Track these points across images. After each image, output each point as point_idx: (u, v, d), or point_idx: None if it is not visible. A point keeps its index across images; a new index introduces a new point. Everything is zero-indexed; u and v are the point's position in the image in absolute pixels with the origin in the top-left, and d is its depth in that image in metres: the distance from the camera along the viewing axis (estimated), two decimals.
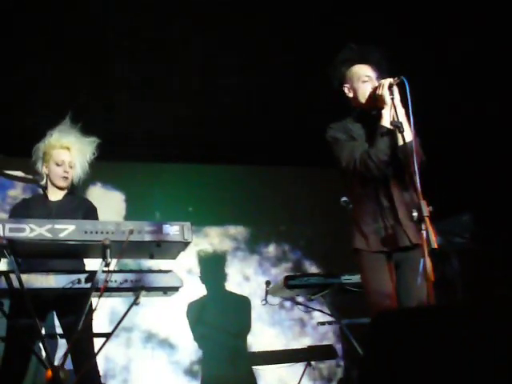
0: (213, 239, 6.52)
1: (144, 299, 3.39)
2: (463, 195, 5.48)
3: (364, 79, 3.46)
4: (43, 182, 4.02)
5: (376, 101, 3.36)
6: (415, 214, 2.86)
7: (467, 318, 1.60)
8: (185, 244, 3.25)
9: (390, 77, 3.31)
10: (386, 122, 3.31)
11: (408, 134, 3.17)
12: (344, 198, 4.03)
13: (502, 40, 5.16)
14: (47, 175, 4.00)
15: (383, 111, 3.32)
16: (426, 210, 2.83)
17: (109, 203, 6.49)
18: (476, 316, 1.59)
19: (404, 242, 3.23)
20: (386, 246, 3.26)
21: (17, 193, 6.29)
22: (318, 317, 6.01)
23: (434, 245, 2.77)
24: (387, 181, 3.32)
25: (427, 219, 2.82)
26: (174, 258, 3.46)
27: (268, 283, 5.25)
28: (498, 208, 5.34)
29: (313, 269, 6.86)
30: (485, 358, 1.49)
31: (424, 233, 2.80)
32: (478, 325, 1.57)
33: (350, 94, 3.54)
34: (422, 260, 2.79)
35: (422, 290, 2.94)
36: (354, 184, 3.43)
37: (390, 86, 3.27)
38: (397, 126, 3.21)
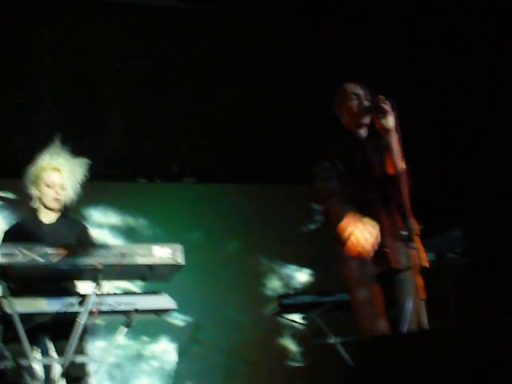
0: (205, 258, 6.50)
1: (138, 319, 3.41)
2: (454, 210, 5.50)
3: (351, 97, 3.43)
4: (36, 205, 4.04)
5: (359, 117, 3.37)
6: (405, 232, 2.86)
7: (446, 345, 1.61)
8: (177, 267, 3.27)
9: (378, 94, 3.28)
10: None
11: (397, 156, 3.16)
12: None
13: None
14: (39, 198, 4.02)
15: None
16: (416, 229, 2.83)
17: (100, 224, 6.48)
18: (461, 341, 1.61)
19: (388, 265, 3.21)
20: (370, 268, 3.22)
21: (5, 215, 6.27)
22: (314, 334, 5.99)
23: (425, 263, 2.78)
24: (372, 202, 3.29)
25: (417, 238, 2.82)
26: (166, 280, 3.47)
27: (265, 301, 5.25)
28: (489, 222, 5.35)
29: (307, 286, 6.84)
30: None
31: (414, 251, 2.81)
32: (463, 350, 1.58)
33: (340, 114, 3.52)
34: (412, 279, 2.80)
35: (413, 310, 2.95)
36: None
37: (375, 108, 3.25)
38: (384, 145, 3.21)
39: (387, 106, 3.16)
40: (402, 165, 3.12)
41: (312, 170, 3.44)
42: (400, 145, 3.12)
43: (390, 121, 3.15)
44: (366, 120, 3.38)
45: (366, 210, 3.25)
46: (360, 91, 3.43)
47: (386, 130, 3.16)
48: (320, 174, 3.39)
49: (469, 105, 5.52)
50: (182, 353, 6.35)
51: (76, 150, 4.08)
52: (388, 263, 3.20)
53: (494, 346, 1.65)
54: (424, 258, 2.77)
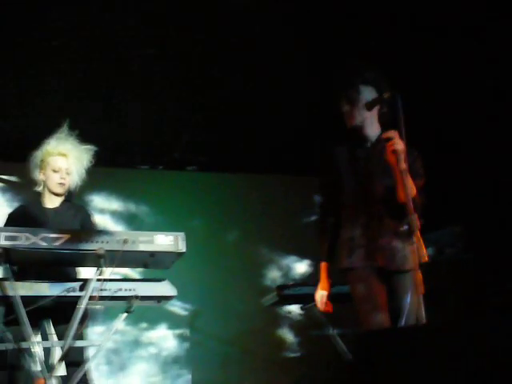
0: (206, 246, 6.53)
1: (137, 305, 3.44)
2: (454, 206, 5.52)
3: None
4: (40, 189, 4.06)
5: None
6: (406, 227, 2.88)
7: (447, 339, 1.63)
8: (178, 254, 3.29)
9: (388, 93, 3.25)
10: None
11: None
12: None
13: None
14: (44, 182, 4.04)
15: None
16: (417, 224, 2.85)
17: (103, 210, 6.52)
18: (458, 336, 1.63)
19: (376, 262, 3.24)
20: (370, 263, 3.25)
21: (8, 198, 6.31)
22: (312, 325, 6.02)
23: (425, 258, 2.80)
24: (374, 202, 3.29)
25: (417, 233, 2.83)
26: (167, 267, 3.49)
27: (264, 291, 5.27)
28: (489, 218, 5.37)
29: (306, 277, 6.87)
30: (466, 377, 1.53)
31: (414, 247, 2.82)
32: (460, 345, 1.60)
33: (345, 114, 3.49)
34: (411, 275, 2.82)
35: (413, 306, 2.98)
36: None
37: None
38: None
39: (398, 143, 3.11)
40: (412, 190, 3.10)
41: (317, 176, 3.49)
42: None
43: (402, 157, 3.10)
44: (374, 113, 3.38)
45: (366, 210, 3.28)
46: (364, 88, 3.41)
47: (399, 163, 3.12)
48: (320, 195, 3.48)
49: (468, 103, 5.53)
50: (180, 340, 6.41)
51: (81, 136, 4.11)
52: (382, 261, 3.22)
53: (491, 340, 1.67)
54: (424, 254, 2.78)
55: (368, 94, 3.38)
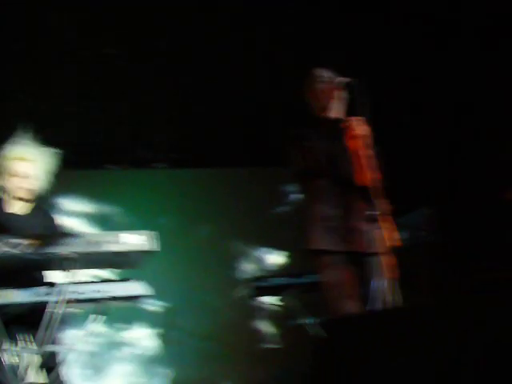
0: (179, 243, 6.49)
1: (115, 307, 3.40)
2: (425, 189, 5.55)
3: (318, 80, 3.41)
4: (3, 195, 4.00)
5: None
6: (375, 212, 2.88)
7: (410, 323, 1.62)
8: (150, 253, 3.26)
9: (352, 79, 3.25)
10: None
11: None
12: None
13: None
14: (6, 187, 3.98)
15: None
16: (387, 209, 2.85)
17: (74, 213, 6.45)
18: (420, 320, 1.62)
19: (354, 246, 3.23)
20: (342, 247, 3.23)
21: None
22: (287, 315, 6.01)
23: (397, 243, 2.80)
24: (344, 186, 3.29)
25: (388, 218, 2.83)
26: (138, 266, 3.46)
27: (240, 284, 5.26)
28: (460, 200, 5.41)
29: (281, 268, 6.87)
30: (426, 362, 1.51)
31: (382, 232, 2.82)
32: (423, 329, 1.59)
33: (309, 99, 3.50)
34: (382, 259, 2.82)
35: (384, 290, 2.98)
36: (308, 185, 3.42)
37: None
38: None
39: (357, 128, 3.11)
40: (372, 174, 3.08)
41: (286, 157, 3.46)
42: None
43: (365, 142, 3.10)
44: (336, 97, 3.36)
45: (337, 194, 3.27)
46: (327, 74, 3.41)
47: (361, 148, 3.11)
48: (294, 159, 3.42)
49: (440, 88, 5.56)
50: (159, 338, 6.36)
51: (45, 139, 4.04)
52: (353, 245, 3.20)
53: (460, 322, 1.66)
54: (395, 238, 2.78)
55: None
